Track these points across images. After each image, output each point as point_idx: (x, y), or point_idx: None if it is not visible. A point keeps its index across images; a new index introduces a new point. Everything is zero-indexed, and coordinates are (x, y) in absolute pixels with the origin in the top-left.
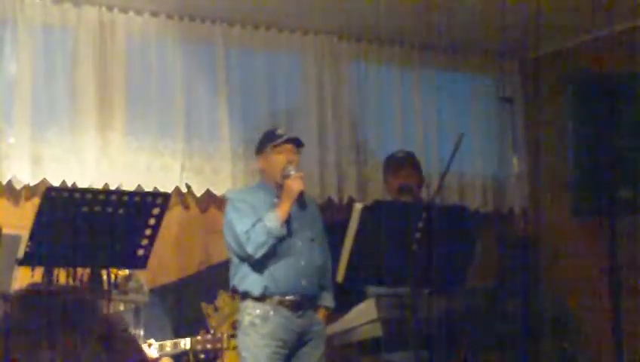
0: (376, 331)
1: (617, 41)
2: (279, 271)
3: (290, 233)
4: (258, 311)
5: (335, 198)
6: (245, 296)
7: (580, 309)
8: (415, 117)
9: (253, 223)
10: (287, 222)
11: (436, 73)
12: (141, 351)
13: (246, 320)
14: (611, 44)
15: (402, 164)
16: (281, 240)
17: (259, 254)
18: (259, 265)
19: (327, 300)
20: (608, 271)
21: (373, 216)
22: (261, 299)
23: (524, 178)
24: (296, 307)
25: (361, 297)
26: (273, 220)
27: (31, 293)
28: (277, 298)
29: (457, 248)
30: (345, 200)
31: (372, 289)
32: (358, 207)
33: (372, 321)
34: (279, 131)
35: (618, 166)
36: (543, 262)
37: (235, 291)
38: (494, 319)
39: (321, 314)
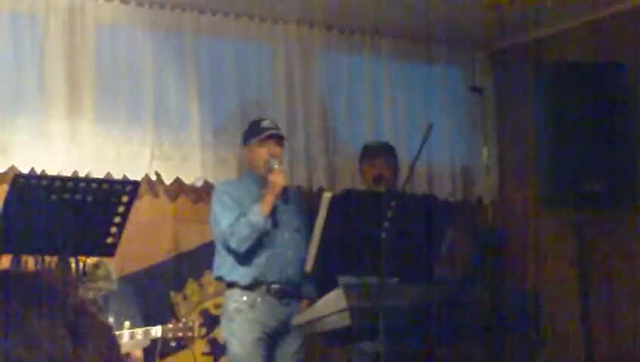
0: (346, 320)
1: (588, 31)
2: (266, 261)
3: (276, 224)
4: (245, 298)
5: (305, 188)
6: (233, 285)
7: (549, 300)
8: (385, 106)
9: (237, 217)
10: (273, 213)
11: (406, 63)
12: (112, 338)
13: (232, 306)
14: (582, 34)
15: (377, 153)
16: (265, 233)
17: (243, 248)
18: (246, 257)
19: (311, 291)
20: (577, 261)
21: (342, 205)
22: (249, 287)
23: (493, 168)
24: (282, 295)
25: (332, 286)
26: (257, 214)
27: None
28: (264, 286)
29: (426, 237)
30: (314, 189)
31: (345, 279)
32: (327, 196)
33: (341, 311)
34: (263, 123)
35: (586, 157)
36: (511, 252)
37: (221, 280)
38: (463, 309)
39: (304, 305)
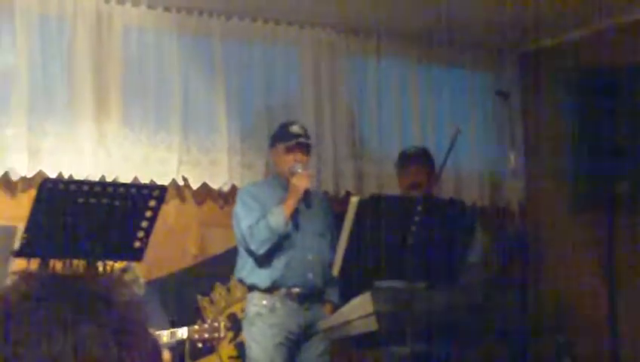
0: (373, 325)
1: (617, 34)
2: (286, 265)
3: (297, 228)
4: (265, 301)
5: (332, 192)
6: (252, 288)
7: (577, 304)
8: (412, 111)
9: (258, 219)
10: (295, 217)
11: (434, 67)
12: (157, 347)
13: (252, 310)
14: (611, 37)
15: (413, 160)
16: (285, 237)
17: (261, 251)
18: (265, 259)
19: (333, 295)
20: (605, 265)
21: (369, 209)
22: (268, 291)
23: (521, 173)
24: (303, 299)
25: (359, 291)
26: (277, 216)
27: (47, 275)
28: (284, 290)
29: (453, 242)
30: (341, 194)
31: (381, 284)
32: (354, 200)
33: (368, 315)
34: (293, 129)
35: (616, 161)
36: (539, 256)
37: (242, 282)
38: (491, 313)
39: (327, 309)
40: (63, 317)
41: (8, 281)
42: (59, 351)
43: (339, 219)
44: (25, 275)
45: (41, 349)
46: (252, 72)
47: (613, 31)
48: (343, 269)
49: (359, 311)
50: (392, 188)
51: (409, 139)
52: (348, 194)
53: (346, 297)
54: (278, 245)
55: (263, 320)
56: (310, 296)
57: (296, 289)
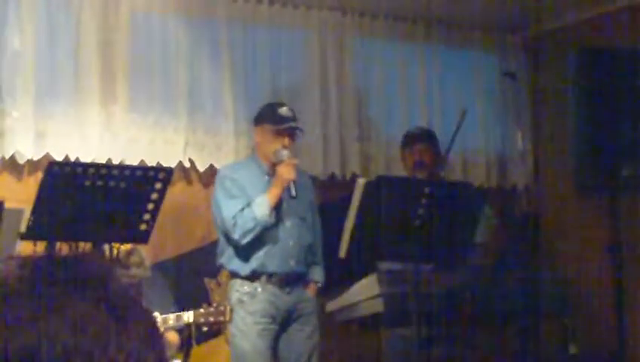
0: (379, 307)
1: (622, 16)
2: (266, 253)
3: (279, 215)
4: (246, 288)
5: (338, 174)
6: (234, 274)
7: (583, 286)
8: (419, 93)
9: (242, 208)
10: (277, 205)
11: (440, 49)
12: (154, 324)
13: (234, 297)
14: (616, 19)
15: (418, 140)
16: (268, 227)
17: (245, 241)
18: (245, 249)
19: (317, 274)
20: (611, 247)
21: (376, 191)
22: (249, 278)
23: (527, 154)
24: (284, 284)
25: (368, 272)
26: (262, 207)
27: (42, 257)
28: (264, 276)
29: (460, 224)
30: (348, 176)
31: (384, 265)
32: (361, 182)
33: (374, 297)
34: (282, 111)
35: (622, 142)
36: (545, 238)
37: (223, 268)
38: (496, 295)
39: (310, 290)
40: (58, 297)
41: (2, 266)
42: (55, 330)
43: (345, 200)
44: (18, 259)
45: (37, 330)
46: (258, 55)
47: (619, 13)
48: (348, 251)
49: (365, 293)
50: (399, 169)
51: (416, 120)
52: (354, 176)
53: (351, 279)
54: (259, 234)
55: (245, 308)
56: (291, 281)
57: (278, 276)
